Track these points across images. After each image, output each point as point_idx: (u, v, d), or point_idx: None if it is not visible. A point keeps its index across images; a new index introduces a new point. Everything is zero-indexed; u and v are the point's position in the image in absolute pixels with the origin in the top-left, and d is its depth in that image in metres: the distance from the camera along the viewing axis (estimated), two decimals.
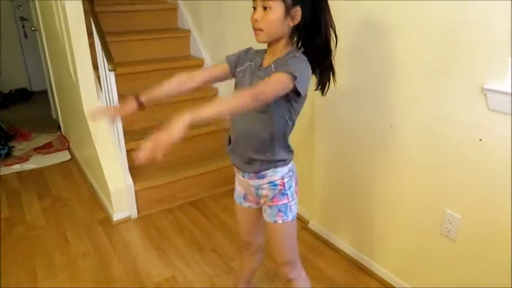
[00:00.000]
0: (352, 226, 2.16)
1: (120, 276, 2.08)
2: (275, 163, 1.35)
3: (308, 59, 1.27)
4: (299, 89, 1.19)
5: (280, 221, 1.40)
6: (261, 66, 1.32)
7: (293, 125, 1.35)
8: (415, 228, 1.81)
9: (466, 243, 1.61)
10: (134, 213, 2.60)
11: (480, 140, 1.48)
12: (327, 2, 1.26)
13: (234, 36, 2.85)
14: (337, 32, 1.29)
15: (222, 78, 1.44)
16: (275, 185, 1.38)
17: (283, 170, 1.37)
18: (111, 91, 2.41)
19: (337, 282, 2.02)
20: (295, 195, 1.42)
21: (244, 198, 1.53)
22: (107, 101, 2.58)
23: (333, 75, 1.34)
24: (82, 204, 2.76)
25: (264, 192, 1.40)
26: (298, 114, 1.34)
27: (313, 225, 2.42)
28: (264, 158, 1.34)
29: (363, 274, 2.07)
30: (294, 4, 1.21)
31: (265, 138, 1.31)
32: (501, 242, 1.49)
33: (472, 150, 1.51)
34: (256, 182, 1.40)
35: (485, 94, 1.42)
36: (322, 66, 1.31)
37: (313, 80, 1.32)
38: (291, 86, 1.18)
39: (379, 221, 1.98)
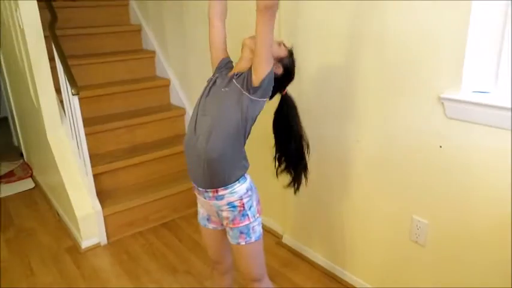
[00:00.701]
0: (325, 238, 2.18)
1: None
2: (230, 181, 1.35)
3: (285, 160, 1.51)
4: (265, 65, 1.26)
5: (243, 243, 1.39)
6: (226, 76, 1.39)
7: (248, 133, 1.36)
8: (385, 236, 1.85)
9: (435, 248, 1.65)
10: (104, 239, 2.52)
11: (440, 146, 1.54)
12: (299, 117, 1.49)
13: (198, 55, 2.87)
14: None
15: (216, 52, 1.47)
16: (234, 207, 1.36)
17: (240, 190, 1.36)
18: (75, 115, 2.36)
19: None
20: (257, 215, 1.41)
21: (208, 220, 1.51)
22: (71, 126, 2.52)
23: (305, 174, 1.54)
24: (48, 233, 2.66)
25: (224, 214, 1.39)
26: (252, 122, 1.35)
27: (287, 239, 2.42)
28: (218, 180, 1.35)
29: (337, 285, 2.08)
30: (282, 62, 1.38)
31: (216, 160, 1.32)
32: (468, 244, 1.54)
33: (434, 157, 1.57)
34: (215, 203, 1.38)
35: (443, 103, 1.49)
36: (298, 168, 1.50)
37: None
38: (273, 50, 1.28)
39: (350, 232, 2.01)
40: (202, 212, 1.53)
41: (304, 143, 1.50)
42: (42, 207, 3.02)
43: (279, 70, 1.37)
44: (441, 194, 1.58)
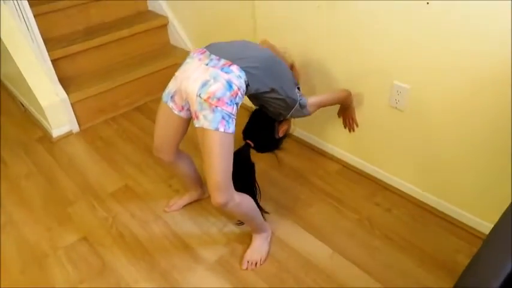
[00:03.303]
0: None
1: (72, 191, 1.99)
2: (251, 73, 1.32)
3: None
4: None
5: (222, 130, 1.26)
6: None
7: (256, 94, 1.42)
8: (365, 104, 1.81)
9: (414, 112, 1.63)
10: (75, 127, 2.43)
11: (427, 3, 1.40)
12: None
13: None
14: None
15: None
16: (231, 86, 1.26)
17: (243, 86, 1.31)
18: None
19: (301, 170, 2.03)
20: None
21: (172, 98, 1.41)
22: (14, 5, 2.21)
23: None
24: (15, 126, 2.54)
25: (214, 85, 1.25)
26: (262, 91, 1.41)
27: None
28: (249, 61, 1.33)
29: (321, 158, 2.10)
30: (284, 135, 1.69)
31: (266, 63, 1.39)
32: (445, 108, 1.52)
33: (419, 16, 1.44)
34: (215, 71, 1.27)
35: None
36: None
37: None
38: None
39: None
40: (171, 87, 1.41)
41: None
42: (5, 99, 2.84)
43: (283, 130, 1.63)
44: (424, 56, 1.49)
